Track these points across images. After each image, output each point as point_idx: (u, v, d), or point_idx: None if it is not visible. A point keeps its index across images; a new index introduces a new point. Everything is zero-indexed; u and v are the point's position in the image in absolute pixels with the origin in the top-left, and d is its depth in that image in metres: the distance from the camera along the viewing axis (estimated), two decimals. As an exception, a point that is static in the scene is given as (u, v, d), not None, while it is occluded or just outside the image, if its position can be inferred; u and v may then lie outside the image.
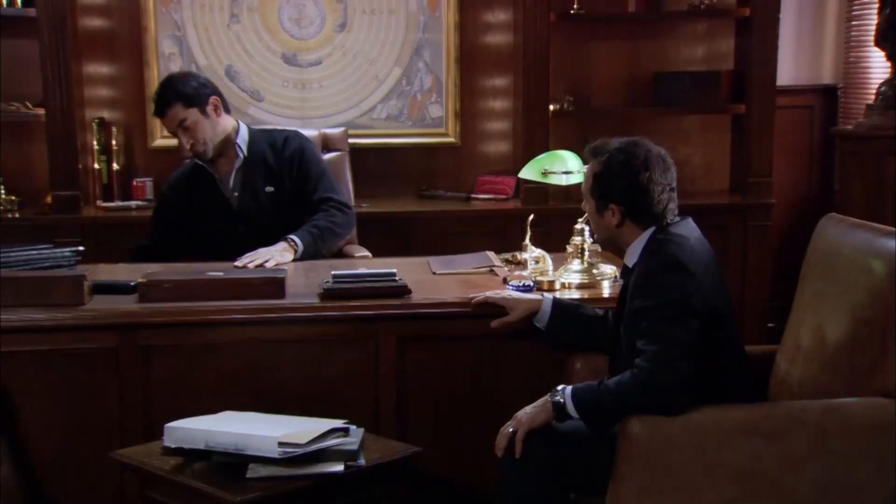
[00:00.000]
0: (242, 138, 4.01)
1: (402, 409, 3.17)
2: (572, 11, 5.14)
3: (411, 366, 3.16)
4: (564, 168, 3.42)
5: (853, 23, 5.66)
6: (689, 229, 2.78)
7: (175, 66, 5.20)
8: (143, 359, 3.07)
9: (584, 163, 2.98)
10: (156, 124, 5.21)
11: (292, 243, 3.75)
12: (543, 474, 2.61)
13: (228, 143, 3.99)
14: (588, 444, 2.65)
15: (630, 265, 2.80)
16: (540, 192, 5.03)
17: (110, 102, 5.24)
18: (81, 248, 3.40)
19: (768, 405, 2.65)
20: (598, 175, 2.80)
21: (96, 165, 5.15)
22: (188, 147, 3.94)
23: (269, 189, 3.96)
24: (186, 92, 3.89)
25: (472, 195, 5.31)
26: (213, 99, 3.94)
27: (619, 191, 2.76)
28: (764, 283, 5.26)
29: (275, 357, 3.13)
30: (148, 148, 5.28)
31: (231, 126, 4.01)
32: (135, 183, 5.20)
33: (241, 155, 3.98)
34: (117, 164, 5.19)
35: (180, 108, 3.88)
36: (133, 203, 5.09)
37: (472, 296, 3.14)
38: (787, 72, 5.60)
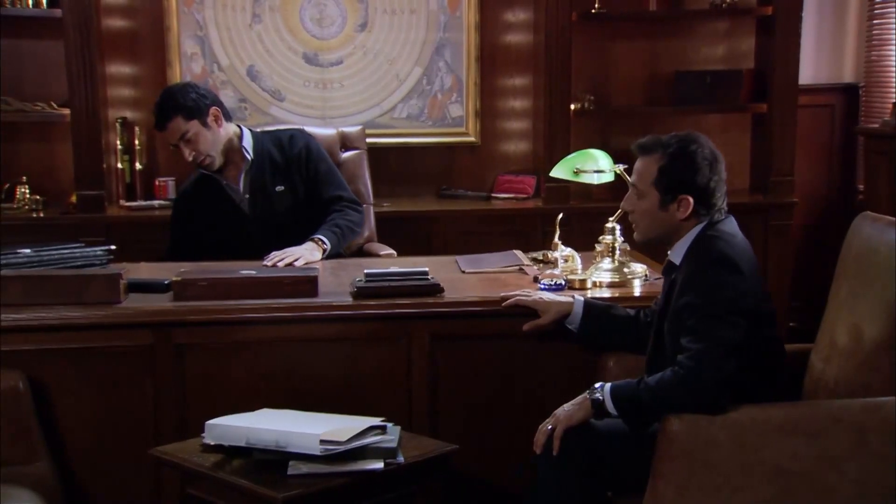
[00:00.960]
0: (247, 141, 4.00)
1: (435, 407, 3.18)
2: (594, 10, 5.14)
3: (444, 364, 3.17)
4: (596, 167, 3.42)
5: (875, 21, 5.66)
6: (733, 227, 2.76)
7: (197, 66, 5.23)
8: (177, 357, 3.08)
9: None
10: (178, 124, 5.24)
11: (320, 242, 3.76)
12: (580, 472, 2.62)
13: (233, 148, 3.98)
14: (625, 443, 2.66)
15: (676, 262, 2.77)
16: (561, 191, 5.04)
17: (133, 102, 5.25)
18: (113, 246, 3.41)
19: (807, 404, 2.65)
20: (665, 168, 2.74)
21: (119, 165, 5.16)
22: (190, 159, 3.94)
23: (280, 188, 3.96)
24: (186, 104, 3.87)
25: (493, 194, 5.32)
26: (213, 110, 3.92)
27: (693, 181, 2.71)
28: (785, 282, 5.26)
29: (308, 355, 3.14)
30: (169, 148, 5.27)
31: (233, 132, 4.00)
32: (157, 182, 5.22)
33: (248, 157, 3.97)
34: (140, 163, 5.21)
35: (181, 121, 3.87)
36: (156, 202, 5.10)
37: (503, 295, 3.14)
38: (808, 70, 5.59)
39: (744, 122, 5.52)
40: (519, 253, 3.76)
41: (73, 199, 4.99)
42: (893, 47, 5.48)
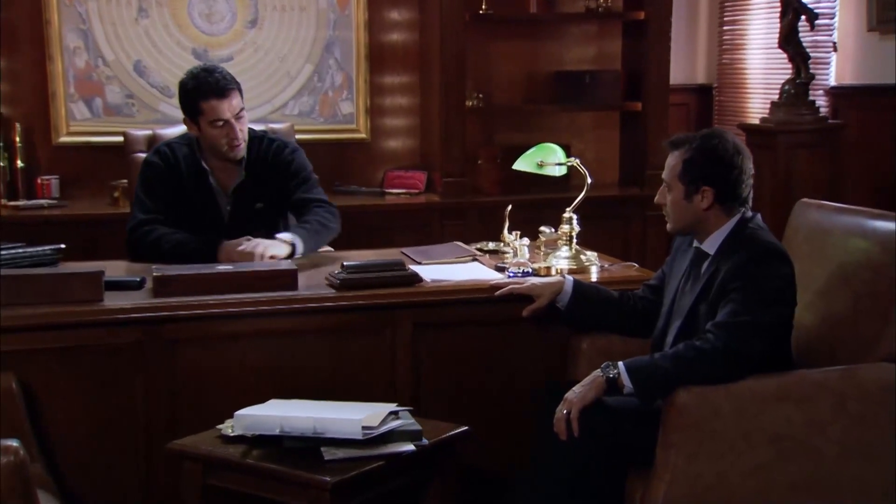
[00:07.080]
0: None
1: (419, 394, 3.25)
2: (481, 12, 5.31)
3: (426, 351, 3.26)
4: (557, 160, 3.58)
5: (725, 27, 6.09)
6: (763, 223, 2.95)
7: (81, 61, 5.11)
8: (167, 352, 3.05)
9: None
10: (60, 120, 5.13)
11: (289, 243, 3.58)
12: (604, 448, 2.77)
13: None
14: (633, 418, 2.82)
15: (710, 252, 2.93)
16: (458, 186, 5.21)
17: (10, 98, 5.08)
18: (62, 245, 3.33)
19: (796, 373, 2.84)
20: (689, 160, 2.90)
21: (0, 163, 4.98)
22: (225, 143, 3.67)
23: (259, 205, 3.79)
24: (239, 85, 3.72)
25: (385, 190, 5.41)
26: None
27: (713, 173, 2.88)
28: (661, 264, 5.58)
29: (294, 347, 3.16)
30: (52, 145, 5.15)
31: None
32: (39, 181, 5.06)
33: (241, 171, 3.77)
34: (21, 161, 5.03)
35: (239, 97, 3.69)
36: (44, 202, 4.95)
37: (493, 284, 3.27)
38: (664, 72, 5.96)
39: (613, 119, 5.82)
40: (460, 244, 3.88)
41: (-43, 198, 4.79)
42: (745, 51, 5.92)
